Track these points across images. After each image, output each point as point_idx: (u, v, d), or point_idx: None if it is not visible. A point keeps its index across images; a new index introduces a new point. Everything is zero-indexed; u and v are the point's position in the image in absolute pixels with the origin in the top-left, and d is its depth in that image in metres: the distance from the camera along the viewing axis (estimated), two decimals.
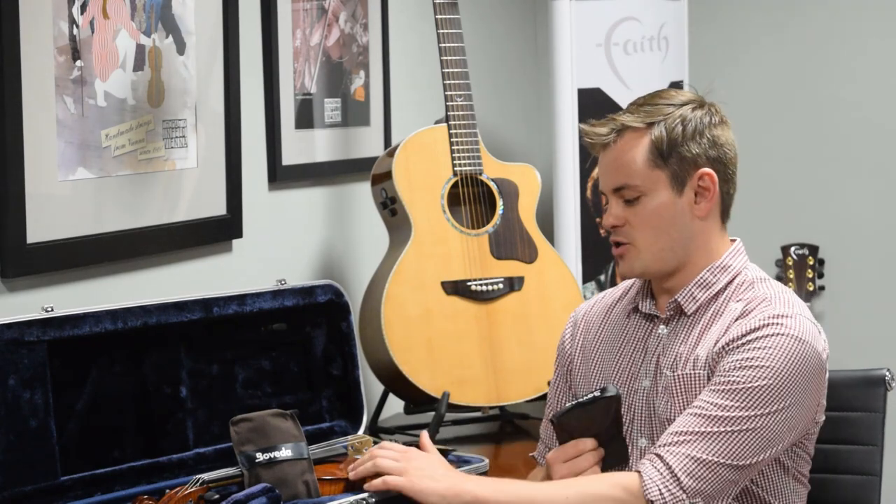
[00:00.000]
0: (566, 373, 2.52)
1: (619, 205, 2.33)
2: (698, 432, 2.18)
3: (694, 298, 2.34)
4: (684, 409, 2.26)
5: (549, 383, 2.60)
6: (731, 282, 2.35)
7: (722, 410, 2.18)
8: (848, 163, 4.35)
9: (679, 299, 2.35)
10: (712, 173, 2.34)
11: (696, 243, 2.35)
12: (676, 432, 2.20)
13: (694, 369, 2.29)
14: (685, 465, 2.17)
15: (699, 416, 2.20)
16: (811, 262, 4.32)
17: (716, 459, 2.17)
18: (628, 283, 2.50)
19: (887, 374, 2.53)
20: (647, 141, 2.30)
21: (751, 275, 2.36)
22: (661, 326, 2.37)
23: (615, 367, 2.41)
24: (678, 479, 2.16)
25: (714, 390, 2.21)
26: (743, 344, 2.22)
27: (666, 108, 2.32)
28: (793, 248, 4.33)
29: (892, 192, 4.30)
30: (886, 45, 4.29)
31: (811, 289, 4.30)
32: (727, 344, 2.24)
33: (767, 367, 2.19)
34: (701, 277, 2.35)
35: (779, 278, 4.33)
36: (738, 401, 2.18)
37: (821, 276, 4.32)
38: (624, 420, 2.34)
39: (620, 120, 2.33)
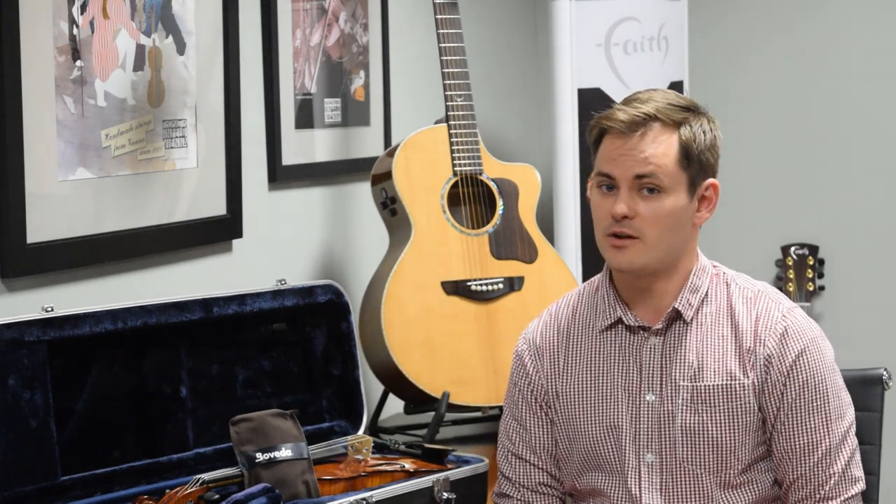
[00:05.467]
0: (542, 405, 2.44)
1: (632, 196, 2.27)
2: (827, 451, 2.30)
3: (690, 304, 2.33)
4: (726, 417, 2.29)
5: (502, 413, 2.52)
6: (709, 282, 2.36)
7: (834, 423, 2.31)
8: (848, 163, 4.35)
9: (678, 307, 2.33)
10: (718, 185, 2.34)
11: (686, 248, 2.34)
12: (813, 471, 2.30)
13: (731, 380, 2.30)
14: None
15: (817, 441, 2.30)
16: (811, 262, 4.32)
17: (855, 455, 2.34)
18: (571, 300, 2.46)
19: (884, 373, 2.54)
20: (677, 139, 2.27)
21: (723, 271, 2.40)
22: (653, 338, 2.34)
23: (608, 387, 2.36)
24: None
25: (807, 412, 2.30)
26: (798, 361, 2.31)
27: (684, 111, 2.29)
28: (793, 248, 4.33)
29: (892, 192, 4.30)
30: (887, 45, 4.29)
31: (811, 289, 4.30)
32: (771, 358, 2.30)
33: (826, 374, 2.32)
34: (691, 283, 2.34)
35: (779, 278, 4.34)
36: (833, 406, 2.31)
37: (821, 276, 4.32)
38: (626, 436, 2.34)
39: (650, 109, 2.27)
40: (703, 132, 2.30)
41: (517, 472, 2.47)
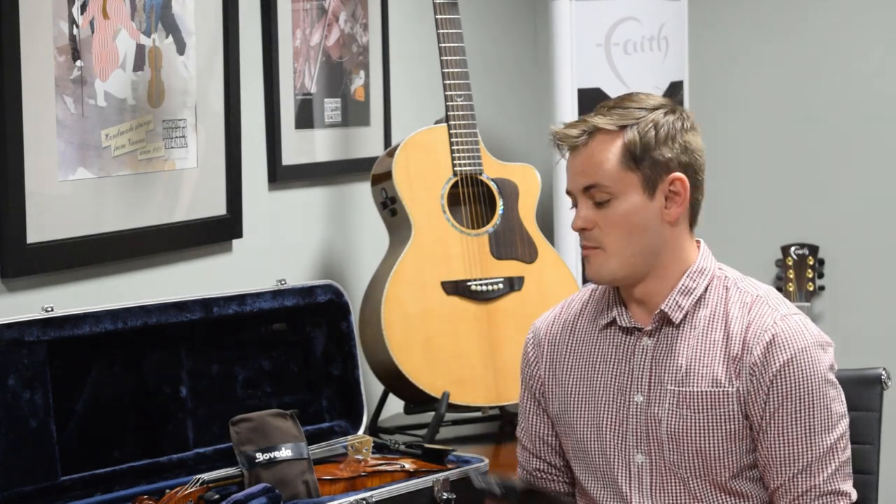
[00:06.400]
0: (538, 396, 2.47)
1: (588, 206, 2.30)
2: (816, 459, 2.27)
3: (679, 306, 2.31)
4: (710, 424, 2.28)
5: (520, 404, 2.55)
6: (708, 285, 2.34)
7: (817, 436, 2.27)
8: (848, 163, 4.35)
9: (665, 309, 2.31)
10: (684, 178, 2.30)
11: (667, 249, 2.32)
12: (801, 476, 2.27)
13: (716, 387, 2.28)
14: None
15: (798, 453, 2.27)
16: (811, 262, 4.32)
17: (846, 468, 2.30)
18: (584, 295, 2.47)
19: (883, 373, 2.54)
20: (620, 143, 2.28)
21: (727, 274, 2.37)
22: (645, 339, 2.34)
23: (598, 385, 2.37)
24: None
25: (789, 423, 2.27)
26: (783, 371, 2.27)
27: (638, 112, 2.29)
28: (793, 248, 4.33)
29: (892, 192, 4.30)
30: (886, 45, 4.29)
31: (811, 289, 4.30)
32: (755, 366, 2.27)
33: (814, 386, 2.28)
34: (682, 284, 2.32)
35: (779, 278, 4.33)
36: (819, 418, 2.27)
37: (821, 276, 4.32)
38: (614, 436, 2.34)
39: (592, 122, 2.30)
40: (655, 128, 2.28)
41: (521, 456, 2.54)
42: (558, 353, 2.44)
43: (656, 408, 2.31)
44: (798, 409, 2.26)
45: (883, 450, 2.53)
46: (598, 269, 2.31)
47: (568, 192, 2.35)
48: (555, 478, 2.48)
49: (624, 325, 2.35)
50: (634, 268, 2.31)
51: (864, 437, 2.44)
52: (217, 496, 2.56)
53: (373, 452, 2.85)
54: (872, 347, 4.16)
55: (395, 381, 3.22)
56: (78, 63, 2.67)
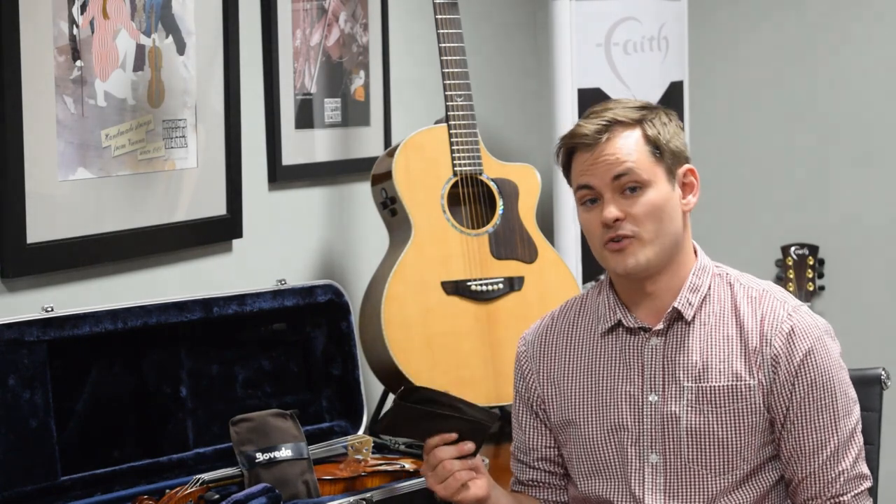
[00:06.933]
0: (536, 408, 2.46)
1: (617, 198, 2.28)
2: (837, 448, 2.30)
3: (690, 304, 2.33)
4: (731, 418, 2.29)
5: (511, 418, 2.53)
6: (711, 282, 2.36)
7: (842, 420, 2.30)
8: (848, 163, 4.35)
9: (677, 306, 2.32)
10: (695, 170, 2.36)
11: (683, 241, 2.34)
12: (821, 466, 2.30)
13: (736, 381, 2.29)
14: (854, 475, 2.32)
15: (826, 439, 2.30)
16: (811, 262, 4.32)
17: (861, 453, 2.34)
18: (575, 304, 2.47)
19: (883, 373, 2.54)
20: (641, 135, 2.30)
21: (726, 271, 2.39)
22: (654, 338, 2.34)
23: (606, 390, 2.36)
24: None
25: (816, 410, 2.30)
26: (806, 360, 2.30)
27: (641, 110, 2.33)
28: (793, 248, 4.33)
29: (892, 192, 4.30)
30: (886, 45, 4.29)
31: (811, 289, 4.30)
32: (778, 358, 2.29)
33: (833, 372, 2.32)
34: (690, 282, 2.34)
35: (779, 278, 4.33)
36: (840, 403, 2.31)
37: (821, 276, 4.32)
38: (629, 437, 2.34)
39: (609, 115, 2.31)
40: (664, 123, 2.33)
41: (516, 468, 2.51)
42: (557, 363, 2.43)
43: (673, 405, 2.31)
44: (824, 395, 2.29)
45: (882, 449, 2.53)
46: (636, 257, 2.29)
47: (584, 188, 2.32)
48: (554, 485, 2.48)
49: (630, 325, 2.35)
50: (666, 255, 2.31)
51: (864, 436, 2.44)
52: (217, 496, 2.56)
53: (373, 452, 2.85)
54: (872, 347, 4.16)
55: (395, 381, 3.22)
56: (78, 63, 2.67)
